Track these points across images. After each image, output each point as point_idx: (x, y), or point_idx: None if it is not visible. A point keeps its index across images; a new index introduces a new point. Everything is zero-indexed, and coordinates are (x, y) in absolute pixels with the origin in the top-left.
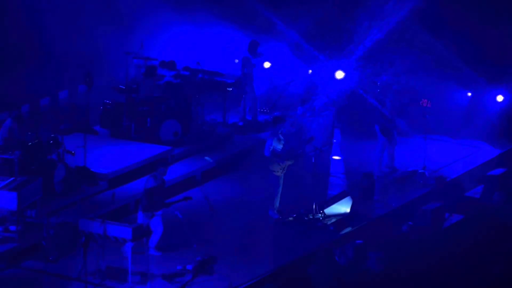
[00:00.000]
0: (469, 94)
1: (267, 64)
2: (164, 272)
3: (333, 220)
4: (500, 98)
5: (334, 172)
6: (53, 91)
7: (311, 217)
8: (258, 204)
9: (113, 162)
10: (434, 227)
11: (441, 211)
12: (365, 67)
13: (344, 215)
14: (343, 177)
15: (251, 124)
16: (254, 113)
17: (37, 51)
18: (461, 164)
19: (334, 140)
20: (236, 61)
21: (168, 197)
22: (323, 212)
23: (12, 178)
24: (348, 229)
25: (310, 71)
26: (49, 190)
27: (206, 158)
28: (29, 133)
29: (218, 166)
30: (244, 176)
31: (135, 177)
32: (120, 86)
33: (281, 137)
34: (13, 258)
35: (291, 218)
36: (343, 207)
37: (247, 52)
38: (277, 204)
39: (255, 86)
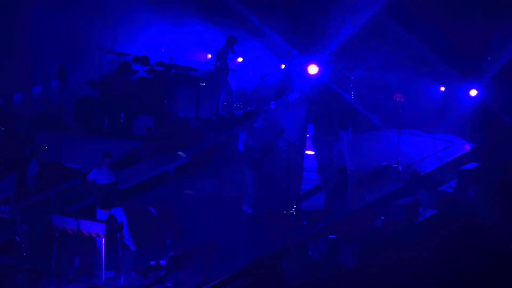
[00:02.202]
0: (443, 88)
1: (239, 59)
2: (137, 267)
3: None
4: (473, 92)
5: (308, 167)
6: (26, 87)
7: (284, 212)
8: (232, 199)
9: (86, 157)
10: (408, 222)
11: (415, 205)
12: (339, 62)
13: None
14: (316, 172)
15: (224, 119)
16: (230, 108)
17: (10, 46)
18: (435, 159)
19: (308, 135)
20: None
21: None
22: (297, 207)
23: None
24: (322, 224)
25: (283, 66)
26: (23, 185)
27: (180, 153)
28: (2, 128)
29: (191, 161)
30: (218, 171)
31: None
32: (93, 81)
33: (254, 132)
34: None
35: (265, 213)
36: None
37: (224, 47)
38: (251, 198)
39: (230, 80)
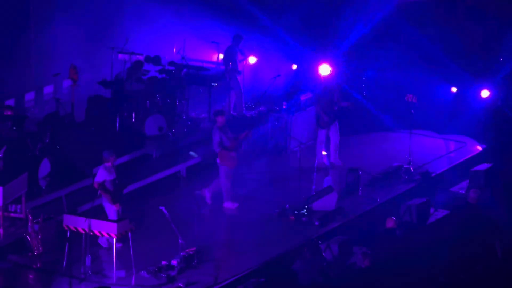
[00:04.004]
0: (454, 89)
1: (252, 60)
2: (149, 267)
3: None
4: (485, 93)
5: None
6: (38, 86)
7: (296, 212)
8: (244, 199)
9: (97, 157)
10: (419, 222)
11: (426, 206)
12: (350, 62)
13: (329, 210)
14: (328, 172)
15: (236, 119)
16: (240, 108)
17: (22, 46)
18: (446, 159)
19: None
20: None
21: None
22: (309, 207)
23: None
24: (333, 225)
25: (295, 66)
26: (34, 185)
27: (191, 153)
28: (14, 128)
29: (203, 161)
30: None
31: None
32: (105, 81)
33: (226, 130)
34: None
35: (276, 213)
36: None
37: (231, 46)
38: (230, 194)
39: (241, 80)
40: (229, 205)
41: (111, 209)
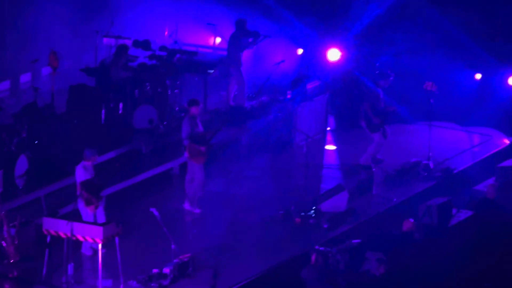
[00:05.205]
0: (479, 75)
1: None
2: (138, 276)
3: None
4: None
5: (328, 164)
6: (14, 74)
7: (302, 213)
8: (243, 199)
9: (81, 152)
10: (440, 225)
11: (447, 206)
12: (363, 46)
13: (339, 211)
14: (338, 169)
15: (235, 110)
16: (242, 98)
17: None
18: (470, 155)
19: (328, 128)
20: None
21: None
22: (316, 208)
23: None
24: (344, 227)
25: (301, 50)
26: (10, 184)
27: None
28: None
29: None
30: (226, 168)
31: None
32: (88, 68)
33: (197, 121)
34: None
35: (280, 215)
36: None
37: (235, 33)
38: (196, 197)
39: (243, 68)
40: (187, 206)
41: (87, 212)
